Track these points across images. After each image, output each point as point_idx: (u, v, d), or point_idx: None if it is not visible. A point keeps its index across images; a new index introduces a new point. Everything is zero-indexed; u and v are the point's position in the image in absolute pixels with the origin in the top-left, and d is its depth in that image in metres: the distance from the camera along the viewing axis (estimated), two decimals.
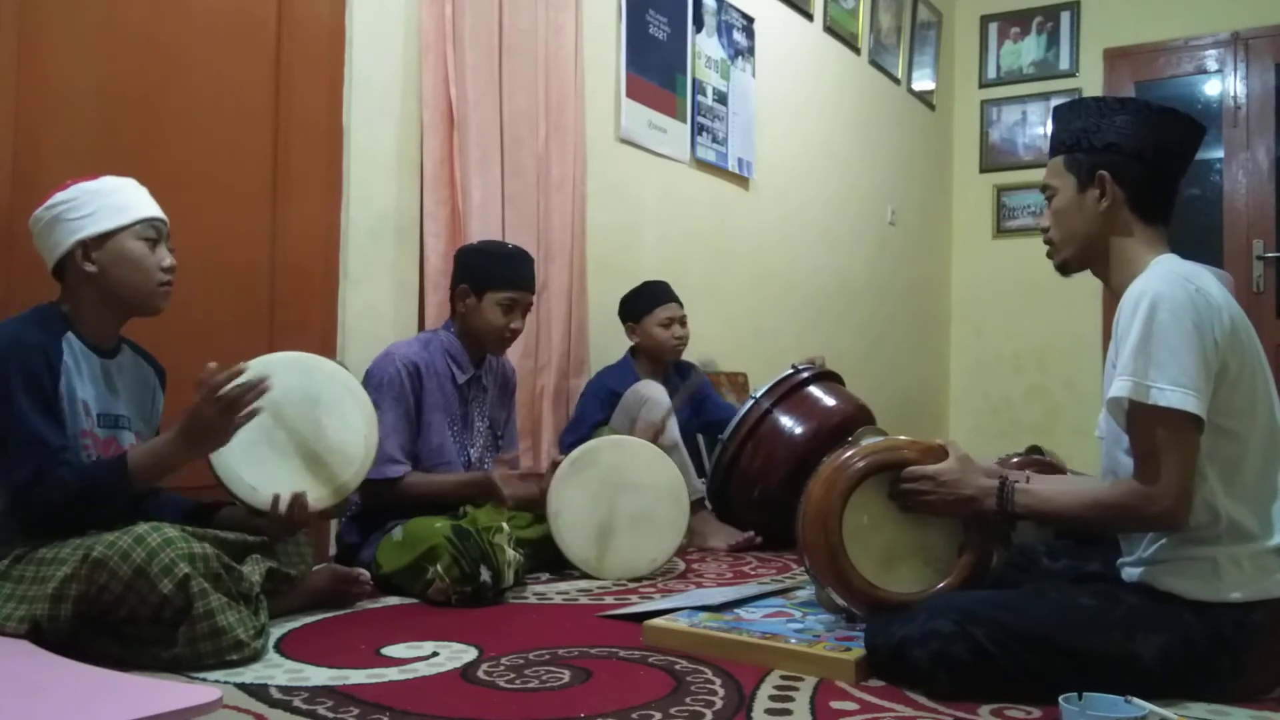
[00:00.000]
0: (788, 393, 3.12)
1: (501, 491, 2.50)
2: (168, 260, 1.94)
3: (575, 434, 3.14)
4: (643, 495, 2.61)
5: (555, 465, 2.62)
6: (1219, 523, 1.59)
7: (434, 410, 2.59)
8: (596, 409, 3.21)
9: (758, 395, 3.12)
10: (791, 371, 3.18)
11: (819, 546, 1.80)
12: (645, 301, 3.40)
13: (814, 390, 3.18)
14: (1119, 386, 1.58)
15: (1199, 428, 1.57)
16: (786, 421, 3.08)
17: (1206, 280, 1.64)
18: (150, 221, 1.93)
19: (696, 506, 3.03)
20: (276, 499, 2.00)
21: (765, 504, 3.02)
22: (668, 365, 3.45)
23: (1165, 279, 1.61)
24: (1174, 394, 1.54)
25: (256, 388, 1.83)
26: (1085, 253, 1.77)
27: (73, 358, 1.86)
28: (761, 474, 3.05)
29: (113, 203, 1.90)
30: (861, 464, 1.82)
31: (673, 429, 3.10)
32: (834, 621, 1.96)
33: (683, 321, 3.43)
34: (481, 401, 2.74)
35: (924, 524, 1.83)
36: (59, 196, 1.89)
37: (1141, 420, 1.58)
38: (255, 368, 1.99)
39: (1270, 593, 1.58)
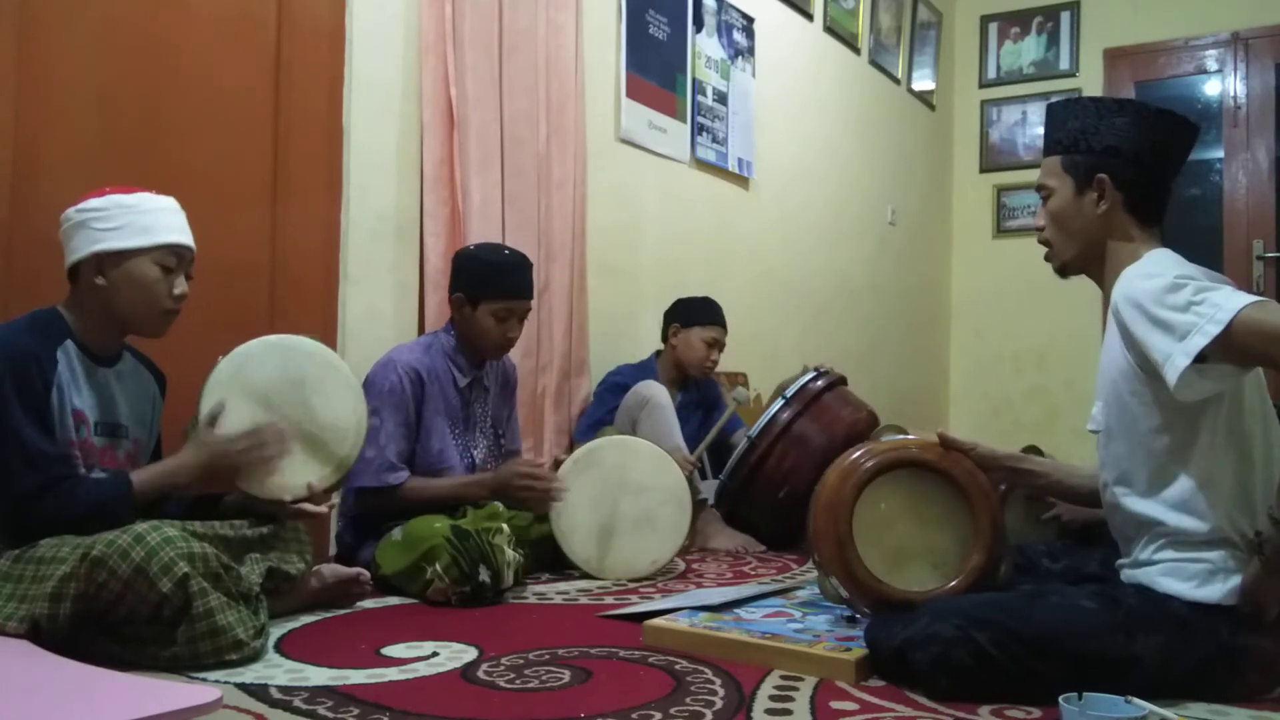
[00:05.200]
0: (816, 396, 3.12)
1: (515, 481, 2.49)
2: (180, 289, 1.91)
3: (591, 420, 3.19)
4: (645, 497, 2.60)
5: (557, 464, 2.61)
6: (1219, 525, 1.59)
7: (435, 415, 2.58)
8: (612, 403, 3.24)
9: (788, 395, 3.10)
10: (813, 375, 3.17)
11: (828, 534, 1.80)
12: (703, 313, 3.44)
13: (837, 395, 3.19)
14: (1173, 367, 1.49)
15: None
16: (816, 425, 3.07)
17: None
18: (172, 248, 1.90)
19: (699, 508, 3.04)
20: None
21: (791, 505, 2.99)
22: (688, 379, 3.47)
23: (1143, 261, 1.65)
24: (1209, 319, 1.47)
25: (281, 431, 2.00)
26: (1083, 255, 1.77)
27: (68, 367, 1.85)
28: (791, 475, 3.02)
29: (141, 222, 1.87)
30: (880, 459, 1.82)
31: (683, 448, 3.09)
32: (834, 621, 1.96)
33: (721, 348, 3.47)
34: (484, 402, 2.73)
35: (935, 526, 1.83)
36: (92, 202, 1.86)
37: (1224, 351, 1.48)
38: (233, 357, 2.01)
39: None
